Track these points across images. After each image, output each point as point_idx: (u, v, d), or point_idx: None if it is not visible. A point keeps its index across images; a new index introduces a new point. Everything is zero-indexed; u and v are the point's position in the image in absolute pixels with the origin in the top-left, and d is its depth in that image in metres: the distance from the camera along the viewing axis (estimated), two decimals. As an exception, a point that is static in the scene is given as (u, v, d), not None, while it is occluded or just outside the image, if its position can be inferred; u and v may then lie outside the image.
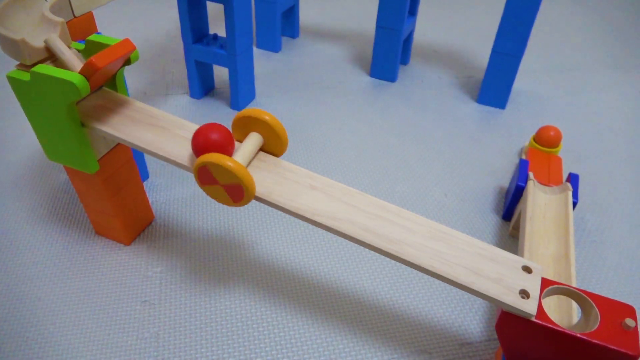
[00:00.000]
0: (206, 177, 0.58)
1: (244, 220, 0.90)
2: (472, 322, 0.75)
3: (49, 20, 0.63)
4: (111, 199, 0.77)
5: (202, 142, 0.57)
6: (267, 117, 0.60)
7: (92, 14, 0.77)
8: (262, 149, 0.64)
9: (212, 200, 0.94)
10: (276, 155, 0.64)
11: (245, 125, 0.62)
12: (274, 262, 0.82)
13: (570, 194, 0.83)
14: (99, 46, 0.65)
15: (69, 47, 0.64)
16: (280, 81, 1.35)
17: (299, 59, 1.47)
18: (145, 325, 0.72)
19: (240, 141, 0.64)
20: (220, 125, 0.59)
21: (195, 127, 0.67)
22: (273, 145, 0.63)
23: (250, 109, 0.61)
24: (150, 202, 0.91)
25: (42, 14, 0.63)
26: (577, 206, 0.97)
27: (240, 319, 0.73)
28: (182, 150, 0.63)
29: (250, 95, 1.25)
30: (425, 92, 1.34)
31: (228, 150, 0.59)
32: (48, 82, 0.58)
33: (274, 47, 1.50)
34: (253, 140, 0.62)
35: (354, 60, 1.48)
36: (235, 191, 0.58)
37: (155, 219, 0.90)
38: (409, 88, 1.35)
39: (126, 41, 0.63)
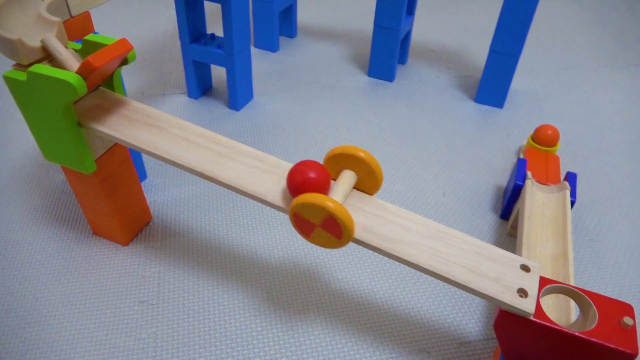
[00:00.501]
0: (303, 223, 0.56)
1: (241, 219, 0.90)
2: (471, 321, 0.75)
3: (45, 20, 0.62)
4: (108, 199, 0.77)
5: (300, 181, 0.55)
6: (362, 154, 0.57)
7: (89, 14, 0.77)
8: (355, 187, 0.61)
9: (210, 200, 0.94)
10: (369, 193, 0.61)
11: (339, 163, 0.59)
12: (272, 262, 0.82)
13: (568, 192, 0.83)
14: (96, 46, 0.65)
15: (66, 47, 0.64)
16: (278, 81, 1.35)
17: (296, 59, 1.47)
18: (143, 325, 0.72)
19: (334, 179, 0.61)
20: (317, 164, 0.56)
21: (194, 127, 0.67)
22: (367, 183, 0.60)
23: (345, 146, 0.57)
24: (148, 202, 0.91)
25: (39, 14, 0.63)
26: (575, 205, 0.97)
27: (238, 319, 0.73)
28: (180, 150, 0.63)
29: (248, 95, 1.25)
30: (423, 91, 1.34)
31: (325, 190, 0.56)
32: (45, 82, 0.58)
33: (272, 47, 1.50)
34: (349, 179, 0.59)
35: (352, 59, 1.48)
36: (335, 228, 0.55)
37: (153, 219, 0.89)
38: (407, 87, 1.35)
39: (123, 41, 0.63)
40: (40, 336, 0.70)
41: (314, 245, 0.85)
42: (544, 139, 0.96)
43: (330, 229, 0.55)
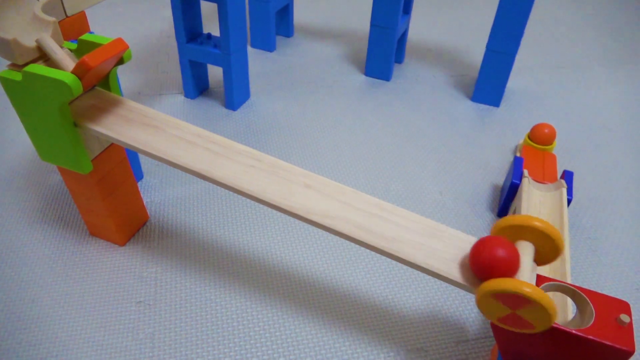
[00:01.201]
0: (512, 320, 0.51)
1: (238, 219, 0.90)
2: (468, 319, 0.75)
3: (40, 20, 0.62)
4: (105, 199, 0.76)
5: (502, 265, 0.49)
6: (538, 224, 0.52)
7: (84, 14, 0.77)
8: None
9: (207, 200, 0.94)
10: (544, 263, 0.56)
11: (512, 233, 0.54)
12: (269, 261, 0.82)
13: (564, 191, 0.83)
14: (92, 45, 0.65)
15: (61, 47, 0.63)
16: (275, 80, 1.35)
17: (293, 58, 1.47)
18: (141, 326, 0.72)
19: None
20: (507, 242, 0.51)
21: (190, 127, 0.66)
22: (545, 253, 0.54)
23: (517, 217, 0.53)
24: (144, 202, 0.91)
25: (34, 14, 0.62)
26: (572, 203, 0.97)
27: (236, 319, 0.73)
28: (176, 150, 0.63)
29: (245, 95, 1.24)
30: (420, 90, 1.34)
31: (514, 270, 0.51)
32: (40, 82, 0.58)
33: (269, 46, 1.49)
34: (529, 252, 0.53)
35: (349, 59, 1.48)
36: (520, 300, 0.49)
37: (150, 219, 0.89)
38: (404, 87, 1.35)
39: (119, 40, 0.63)
40: (37, 337, 0.70)
41: (311, 244, 0.85)
42: (540, 137, 0.96)
43: (518, 304, 0.49)
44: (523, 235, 0.54)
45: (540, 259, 0.55)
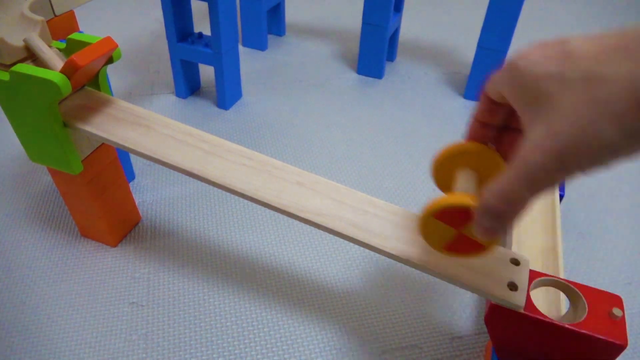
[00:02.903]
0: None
1: (231, 219, 0.89)
2: (463, 316, 0.75)
3: (28, 19, 0.62)
4: (96, 200, 0.76)
5: None
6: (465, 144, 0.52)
7: (73, 13, 0.76)
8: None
9: (199, 200, 0.93)
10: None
11: (448, 167, 0.54)
12: (262, 260, 0.82)
13: (556, 186, 0.83)
14: (81, 45, 0.64)
15: (50, 46, 0.63)
16: (267, 79, 1.35)
17: (285, 57, 1.47)
18: (134, 327, 0.71)
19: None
20: None
21: (181, 125, 0.66)
22: (488, 170, 0.53)
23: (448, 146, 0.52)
24: (136, 202, 0.90)
25: (22, 13, 0.62)
26: (564, 199, 0.97)
27: (229, 318, 0.73)
28: (167, 149, 0.62)
29: (237, 94, 1.24)
30: (412, 88, 1.34)
31: None
32: (28, 82, 0.57)
33: (260, 45, 1.49)
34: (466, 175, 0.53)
35: (341, 57, 1.48)
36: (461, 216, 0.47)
37: (142, 219, 0.89)
38: (396, 84, 1.35)
39: (107, 39, 0.62)
40: (28, 340, 0.69)
41: (304, 242, 0.85)
42: (532, 133, 0.96)
43: (461, 220, 0.48)
44: (461, 164, 0.55)
45: (486, 176, 0.53)
